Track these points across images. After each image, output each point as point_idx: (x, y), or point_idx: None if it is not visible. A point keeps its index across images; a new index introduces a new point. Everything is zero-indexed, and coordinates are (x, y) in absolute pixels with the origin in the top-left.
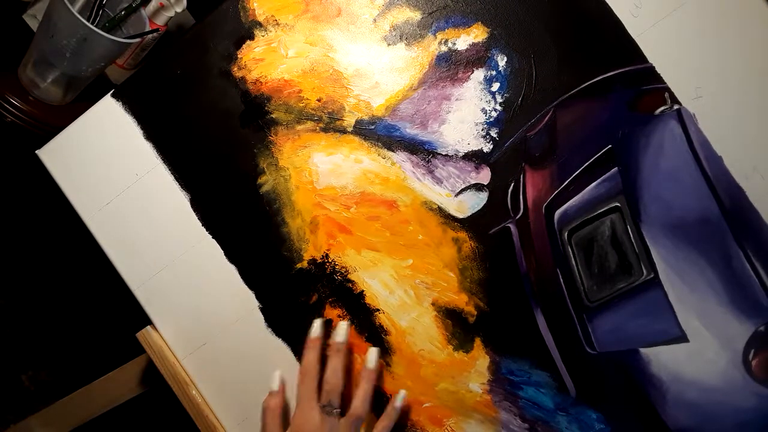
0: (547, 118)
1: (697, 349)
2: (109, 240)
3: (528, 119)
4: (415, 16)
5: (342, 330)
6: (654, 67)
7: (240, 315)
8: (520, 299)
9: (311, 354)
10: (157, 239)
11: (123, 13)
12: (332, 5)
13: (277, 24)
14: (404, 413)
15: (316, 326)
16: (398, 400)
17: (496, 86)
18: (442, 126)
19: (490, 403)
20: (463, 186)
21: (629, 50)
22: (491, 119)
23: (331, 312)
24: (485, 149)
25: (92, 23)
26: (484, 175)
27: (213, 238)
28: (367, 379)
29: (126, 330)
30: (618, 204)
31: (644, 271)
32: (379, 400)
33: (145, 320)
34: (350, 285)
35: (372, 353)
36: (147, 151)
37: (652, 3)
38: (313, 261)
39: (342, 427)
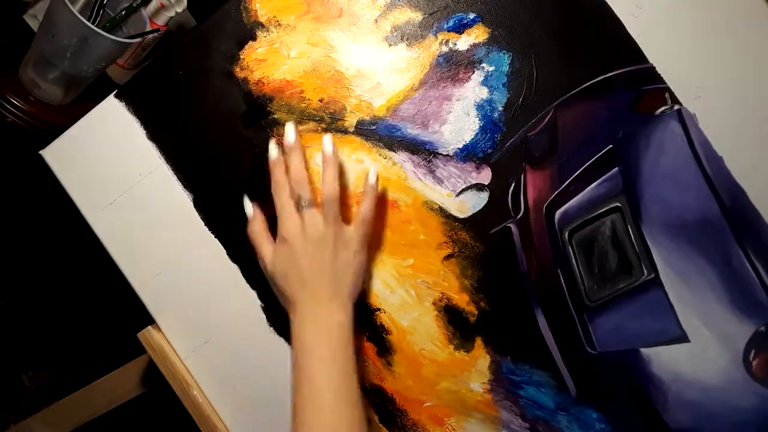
0: (547, 118)
1: (698, 349)
2: (113, 239)
3: (529, 119)
4: (416, 16)
5: (290, 129)
6: (654, 67)
7: (242, 314)
8: (521, 299)
9: (278, 170)
10: (159, 239)
11: (123, 13)
12: (334, 6)
13: (279, 25)
14: (405, 412)
15: (272, 148)
16: (371, 176)
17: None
18: (443, 126)
19: (491, 403)
20: (463, 186)
21: (629, 50)
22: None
23: None
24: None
25: (93, 23)
26: (485, 175)
27: (216, 237)
28: (331, 164)
29: (127, 330)
30: (619, 204)
31: (645, 271)
32: (382, 401)
33: (146, 320)
34: None
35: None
36: (150, 151)
37: (653, 3)
38: None
39: (318, 215)
